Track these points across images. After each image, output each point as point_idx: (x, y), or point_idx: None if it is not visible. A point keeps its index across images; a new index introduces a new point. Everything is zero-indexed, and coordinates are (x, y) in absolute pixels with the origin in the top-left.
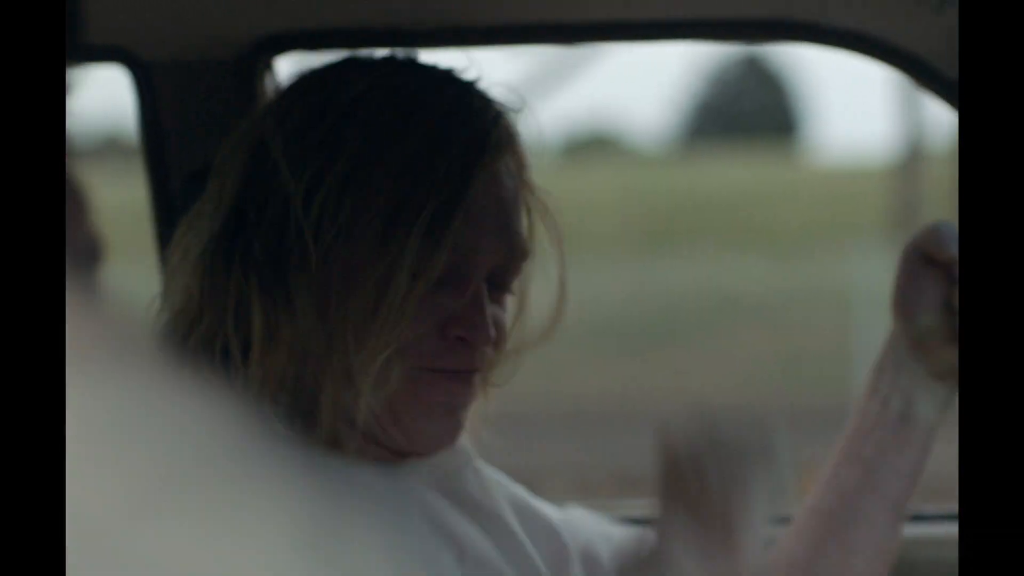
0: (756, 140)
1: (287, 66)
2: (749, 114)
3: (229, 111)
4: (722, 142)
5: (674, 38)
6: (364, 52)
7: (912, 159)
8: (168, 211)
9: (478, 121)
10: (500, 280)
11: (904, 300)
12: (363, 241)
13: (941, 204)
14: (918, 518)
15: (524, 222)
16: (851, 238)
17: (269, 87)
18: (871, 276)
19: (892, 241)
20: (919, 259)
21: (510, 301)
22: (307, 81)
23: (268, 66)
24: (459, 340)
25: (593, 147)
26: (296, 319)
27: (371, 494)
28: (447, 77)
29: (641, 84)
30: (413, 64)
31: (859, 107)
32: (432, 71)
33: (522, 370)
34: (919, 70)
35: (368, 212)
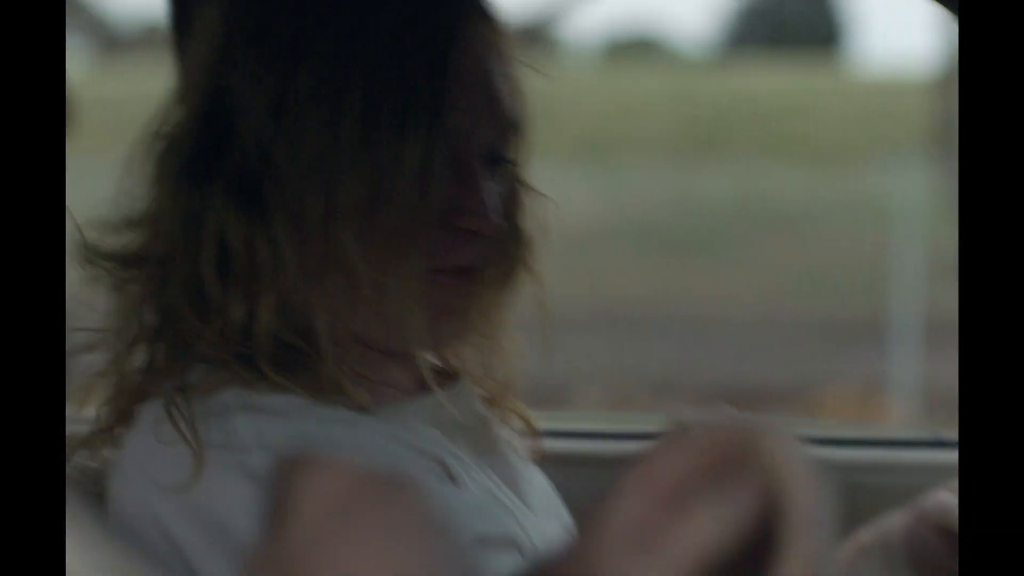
0: (799, 49)
1: None
2: (793, 22)
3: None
4: (765, 50)
5: None
6: None
7: (952, 75)
8: None
9: None
10: (496, 157)
11: (913, 561)
12: (345, 146)
13: None
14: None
15: (514, 94)
16: (890, 152)
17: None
18: (908, 190)
19: (930, 156)
20: (933, 527)
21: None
22: None
23: None
24: (463, 232)
25: (636, 50)
26: (278, 243)
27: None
28: None
29: None
30: None
31: (903, 20)
32: None
33: (559, 272)
34: None
35: (342, 115)
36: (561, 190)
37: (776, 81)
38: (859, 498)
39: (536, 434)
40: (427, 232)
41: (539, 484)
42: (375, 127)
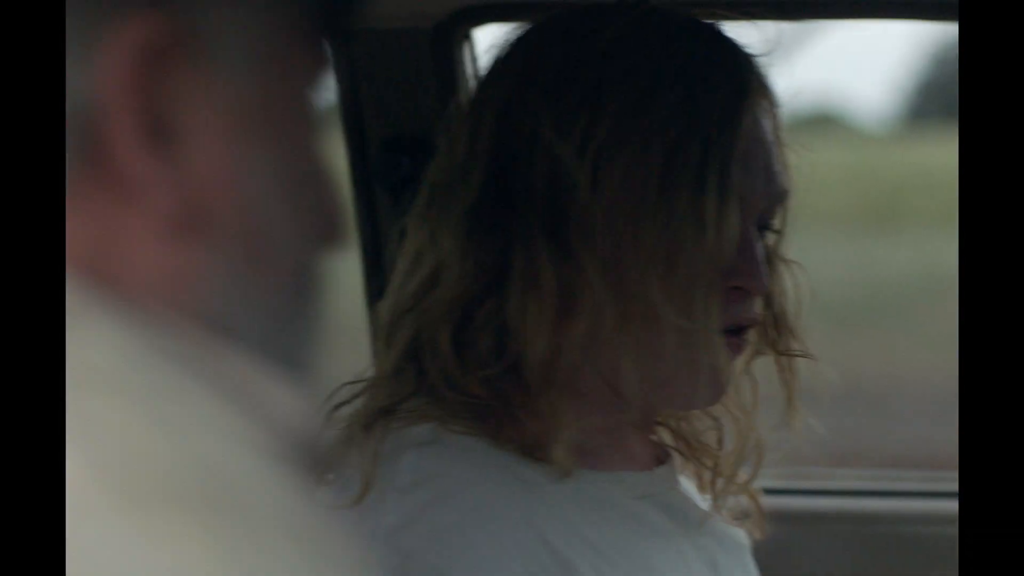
0: None
1: (483, 36)
2: None
3: (426, 81)
4: (944, 122)
5: (829, 16)
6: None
7: None
8: (365, 180)
9: (735, 63)
10: (764, 223)
11: None
12: (648, 193)
13: None
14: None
15: (784, 165)
16: None
17: (466, 57)
18: None
19: None
20: None
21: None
22: (547, 34)
23: (466, 36)
24: (736, 291)
25: (817, 125)
26: (591, 284)
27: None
28: (691, 23)
29: (865, 63)
30: (653, 11)
31: None
32: (673, 17)
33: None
34: None
35: (644, 163)
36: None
37: (953, 153)
38: None
39: (761, 515)
40: (720, 285)
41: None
42: (675, 177)
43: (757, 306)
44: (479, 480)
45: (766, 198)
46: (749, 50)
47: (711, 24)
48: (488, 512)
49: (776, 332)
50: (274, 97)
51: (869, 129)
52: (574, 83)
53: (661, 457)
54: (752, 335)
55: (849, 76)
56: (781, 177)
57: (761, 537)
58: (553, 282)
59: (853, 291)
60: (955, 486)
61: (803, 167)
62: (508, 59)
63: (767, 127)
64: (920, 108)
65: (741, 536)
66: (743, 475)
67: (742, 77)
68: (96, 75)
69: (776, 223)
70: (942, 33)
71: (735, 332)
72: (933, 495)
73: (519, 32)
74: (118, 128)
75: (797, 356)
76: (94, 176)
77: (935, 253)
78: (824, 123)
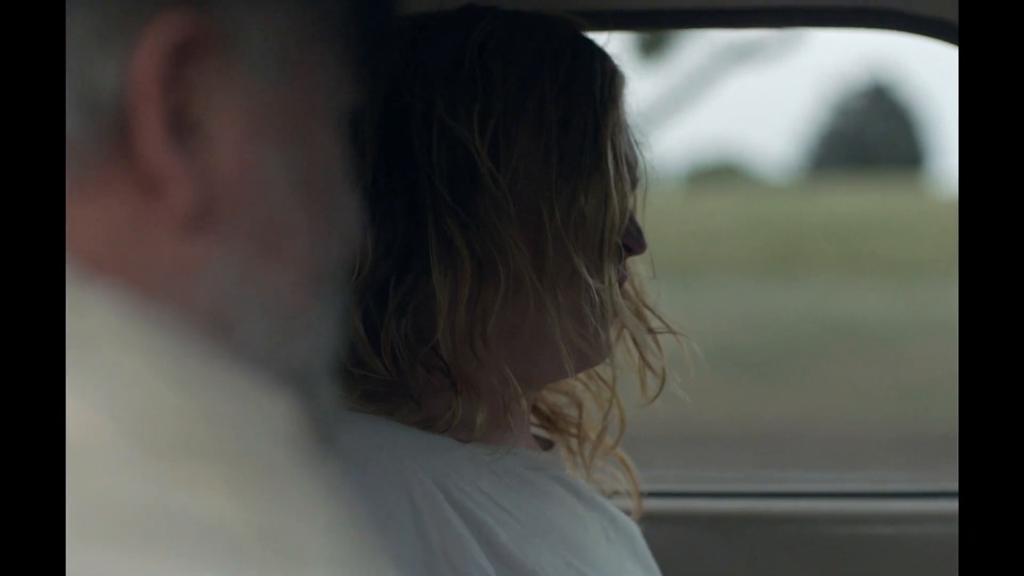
0: (881, 170)
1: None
2: (874, 144)
3: None
4: (847, 172)
5: (766, 24)
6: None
7: None
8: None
9: (598, 49)
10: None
11: None
12: (547, 167)
13: None
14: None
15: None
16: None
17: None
18: None
19: None
20: None
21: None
22: (422, 29)
23: None
24: (623, 249)
25: (719, 175)
26: (508, 250)
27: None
28: (545, 18)
29: (766, 113)
30: (512, 11)
31: None
32: (529, 14)
33: (645, 394)
34: None
35: (541, 137)
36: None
37: (857, 201)
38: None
39: (638, 491)
40: (618, 248)
41: (625, 552)
42: (573, 148)
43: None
44: (384, 445)
45: (633, 171)
46: (598, 42)
47: (562, 19)
48: (397, 474)
49: (634, 308)
50: (298, 99)
51: (771, 178)
52: (461, 70)
53: (545, 447)
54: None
55: (752, 127)
56: (639, 153)
57: (638, 516)
58: (468, 253)
59: (755, 337)
60: (861, 486)
61: (706, 216)
62: (388, 54)
63: (627, 116)
64: (822, 157)
65: (631, 524)
66: (608, 440)
67: (607, 61)
68: (126, 70)
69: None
70: (843, 84)
71: (620, 285)
72: (840, 496)
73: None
74: (144, 122)
75: (659, 332)
76: (118, 168)
77: (836, 299)
78: (727, 173)
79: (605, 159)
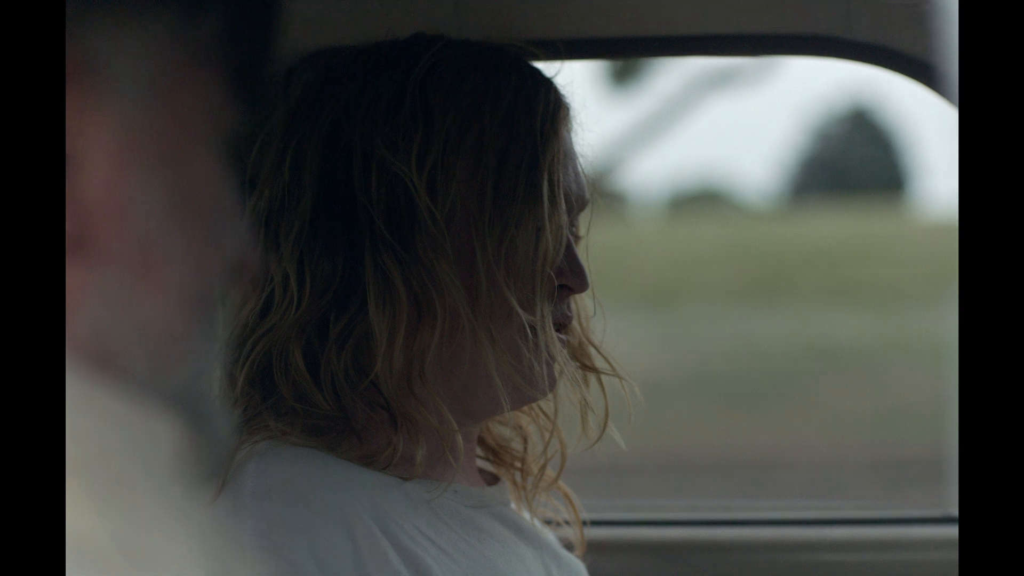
0: (862, 195)
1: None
2: (855, 169)
3: None
4: (828, 197)
5: (709, 53)
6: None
7: None
8: None
9: (542, 80)
10: (571, 228)
11: None
12: (482, 202)
13: None
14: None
15: (583, 178)
16: (951, 292)
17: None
18: None
19: None
20: None
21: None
22: (364, 65)
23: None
24: (562, 290)
25: (700, 201)
26: (444, 286)
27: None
28: (491, 49)
29: (748, 140)
30: (454, 42)
31: None
32: (474, 45)
33: (621, 418)
34: (940, 82)
35: (478, 172)
36: (625, 338)
37: (838, 227)
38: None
39: (580, 522)
40: (553, 283)
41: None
42: (508, 183)
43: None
44: (325, 481)
45: (578, 204)
46: (545, 72)
47: (507, 49)
48: (337, 511)
49: (579, 346)
50: (172, 125)
51: (753, 204)
52: (402, 105)
53: (490, 481)
54: (566, 338)
55: (733, 153)
56: (585, 186)
57: (582, 549)
58: (404, 288)
59: (737, 363)
60: (805, 514)
61: (688, 243)
62: (325, 91)
63: (572, 144)
64: (802, 183)
65: (577, 563)
66: (550, 474)
67: (551, 94)
68: None
69: (578, 229)
70: (824, 110)
71: (557, 329)
72: (782, 523)
73: (331, 67)
74: None
75: (598, 372)
76: None
77: (818, 325)
78: (708, 199)
79: (540, 192)
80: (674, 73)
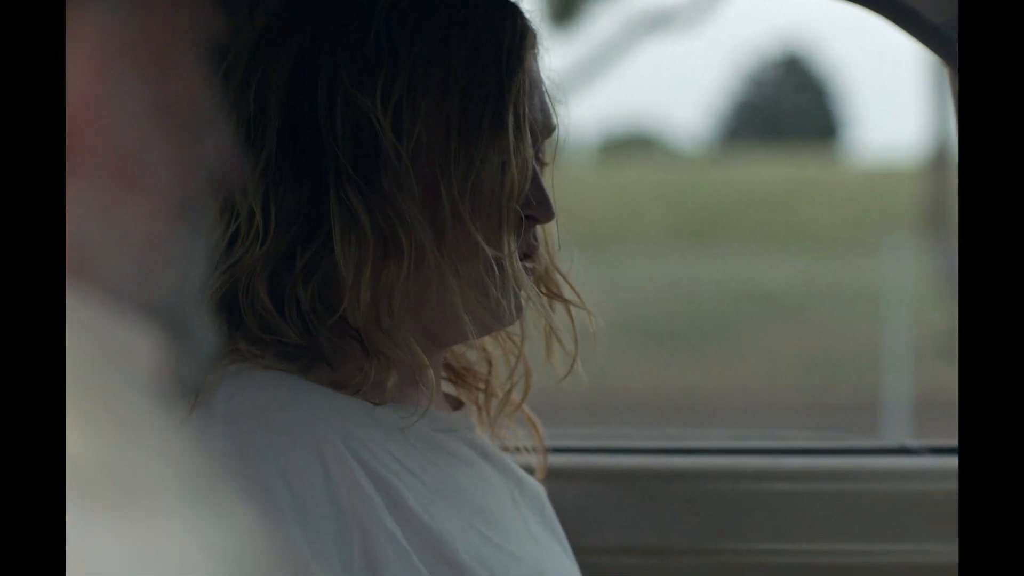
0: (794, 141)
1: None
2: (788, 115)
3: None
4: (760, 143)
5: None
6: None
7: (940, 159)
8: None
9: (510, 11)
10: (538, 156)
11: None
12: (447, 136)
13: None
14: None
15: (551, 105)
16: (883, 237)
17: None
18: (901, 274)
19: (921, 240)
20: None
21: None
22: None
23: None
24: (529, 219)
25: (632, 146)
26: (409, 222)
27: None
28: None
29: (680, 84)
30: None
31: (894, 110)
32: None
33: (551, 362)
34: (909, 19)
35: (443, 108)
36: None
37: (770, 172)
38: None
39: (544, 448)
40: (518, 215)
41: (531, 516)
42: (473, 117)
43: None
44: (296, 404)
45: (543, 132)
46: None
47: None
48: (308, 434)
49: (546, 274)
50: (154, 31)
51: (685, 150)
52: (366, 39)
53: (455, 405)
54: (533, 266)
55: (666, 97)
56: (552, 112)
57: (543, 474)
58: (370, 225)
59: (670, 306)
60: (760, 443)
61: (620, 187)
62: (291, 22)
63: (537, 68)
64: (735, 129)
65: (538, 487)
66: (515, 398)
67: (518, 23)
68: None
69: (544, 156)
70: (757, 55)
71: (523, 258)
72: (739, 452)
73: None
74: None
75: (565, 301)
76: None
77: (750, 269)
78: (641, 144)
79: (505, 125)
80: (610, 16)
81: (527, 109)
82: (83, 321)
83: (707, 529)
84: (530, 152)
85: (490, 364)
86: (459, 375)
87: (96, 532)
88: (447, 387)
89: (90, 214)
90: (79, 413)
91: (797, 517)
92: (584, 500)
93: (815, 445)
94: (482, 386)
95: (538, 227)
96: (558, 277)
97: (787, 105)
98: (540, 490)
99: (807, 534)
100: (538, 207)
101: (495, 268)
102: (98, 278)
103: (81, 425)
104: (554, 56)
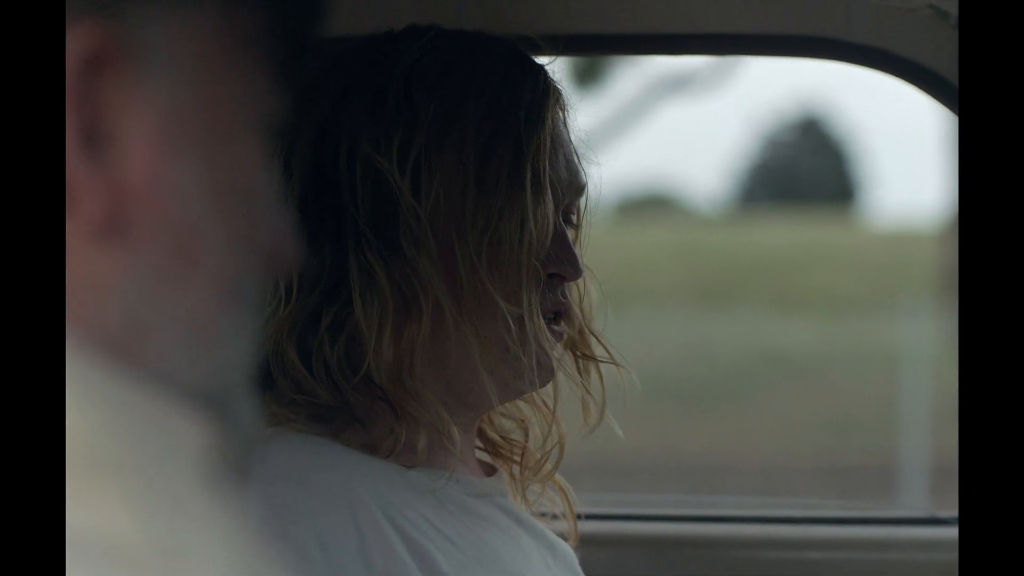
0: (811, 204)
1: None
2: (804, 178)
3: None
4: (777, 205)
5: (708, 51)
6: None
7: (955, 225)
8: None
9: (532, 69)
10: (567, 216)
11: None
12: (464, 195)
13: None
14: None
15: (581, 165)
16: (901, 301)
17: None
18: (918, 338)
19: (938, 303)
20: None
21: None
22: (353, 60)
23: None
24: (552, 278)
25: (649, 207)
26: (428, 282)
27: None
28: (483, 38)
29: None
30: (445, 33)
31: (912, 173)
32: (466, 35)
33: (567, 423)
34: (937, 86)
35: (460, 167)
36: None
37: (787, 235)
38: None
39: (574, 515)
40: (540, 273)
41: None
42: (491, 176)
43: (570, 294)
44: (331, 466)
45: (570, 190)
46: (541, 60)
47: (502, 38)
48: (343, 496)
49: (579, 335)
50: (214, 108)
51: (702, 210)
52: (385, 102)
53: (488, 472)
54: (564, 329)
55: (683, 158)
56: (580, 171)
57: (575, 541)
58: (389, 285)
59: (686, 368)
60: (791, 511)
61: (636, 247)
62: (320, 84)
63: (563, 127)
64: (752, 190)
65: (570, 552)
66: (548, 467)
67: (540, 81)
68: None
69: (575, 217)
70: (774, 117)
71: (553, 319)
72: (769, 521)
73: (322, 61)
74: None
75: (602, 361)
76: None
77: (766, 331)
78: (658, 204)
79: (523, 182)
80: (632, 76)
81: (547, 166)
82: (131, 404)
83: None
84: (550, 209)
85: (526, 432)
86: (494, 445)
87: None
88: (480, 455)
89: (142, 293)
90: (128, 494)
91: None
92: (615, 566)
93: (845, 514)
94: (517, 457)
95: (571, 287)
96: (592, 339)
97: (804, 167)
98: (572, 556)
99: None
100: (563, 264)
101: (513, 325)
102: (147, 358)
103: (131, 507)
104: (580, 116)
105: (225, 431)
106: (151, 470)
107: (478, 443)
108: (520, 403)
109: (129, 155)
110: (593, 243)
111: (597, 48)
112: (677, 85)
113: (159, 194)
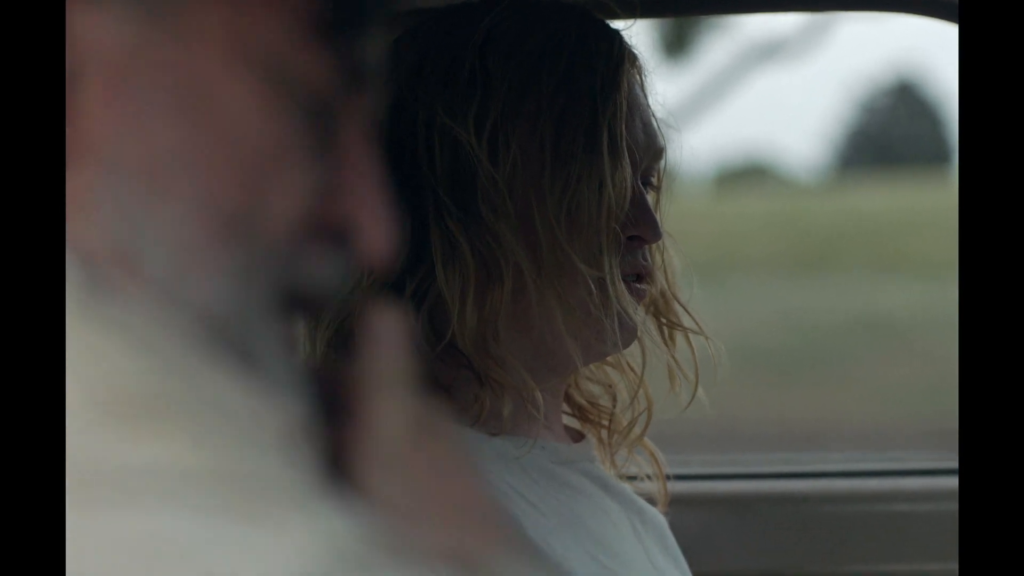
0: (907, 168)
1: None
2: (900, 143)
3: None
4: (874, 171)
5: (786, 7)
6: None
7: None
8: None
9: (607, 35)
10: (647, 179)
11: None
12: (542, 162)
13: None
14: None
15: (660, 127)
16: None
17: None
18: None
19: None
20: None
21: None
22: (429, 32)
23: None
24: (632, 240)
25: (747, 176)
26: (508, 248)
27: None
28: (558, 5)
29: (793, 114)
30: (527, 3)
31: None
32: (540, 2)
33: (658, 393)
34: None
35: (537, 134)
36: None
37: (885, 200)
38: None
39: (664, 476)
40: (619, 235)
41: (653, 546)
42: (567, 142)
43: (651, 258)
44: None
45: (648, 154)
46: (617, 24)
47: (575, 4)
48: None
49: (664, 302)
50: (202, 46)
51: (799, 178)
52: (461, 72)
53: (576, 438)
54: (647, 288)
55: (780, 127)
56: (658, 135)
57: (665, 505)
58: (471, 253)
59: (785, 336)
60: (874, 465)
61: (735, 217)
62: (396, 57)
63: (640, 91)
64: (849, 156)
65: (659, 517)
66: (636, 431)
67: (615, 48)
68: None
69: (655, 180)
70: (870, 83)
71: (635, 280)
72: (855, 475)
73: (400, 33)
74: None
75: (685, 329)
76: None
77: (865, 297)
78: (756, 174)
79: (600, 147)
80: (722, 46)
81: (624, 130)
82: (179, 345)
83: (826, 552)
84: (628, 172)
85: (614, 397)
86: (582, 410)
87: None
88: (569, 420)
89: (118, 214)
90: (189, 429)
91: (916, 538)
92: (703, 527)
93: (933, 466)
94: (605, 422)
95: (655, 253)
96: (677, 306)
97: (900, 132)
98: (662, 520)
99: (925, 555)
100: (643, 227)
101: (594, 288)
102: (135, 275)
103: (194, 440)
104: (668, 86)
105: (249, 364)
106: (209, 404)
107: (566, 408)
108: (608, 368)
109: (92, 82)
110: (691, 215)
111: (676, 9)
112: (768, 52)
113: (125, 115)
